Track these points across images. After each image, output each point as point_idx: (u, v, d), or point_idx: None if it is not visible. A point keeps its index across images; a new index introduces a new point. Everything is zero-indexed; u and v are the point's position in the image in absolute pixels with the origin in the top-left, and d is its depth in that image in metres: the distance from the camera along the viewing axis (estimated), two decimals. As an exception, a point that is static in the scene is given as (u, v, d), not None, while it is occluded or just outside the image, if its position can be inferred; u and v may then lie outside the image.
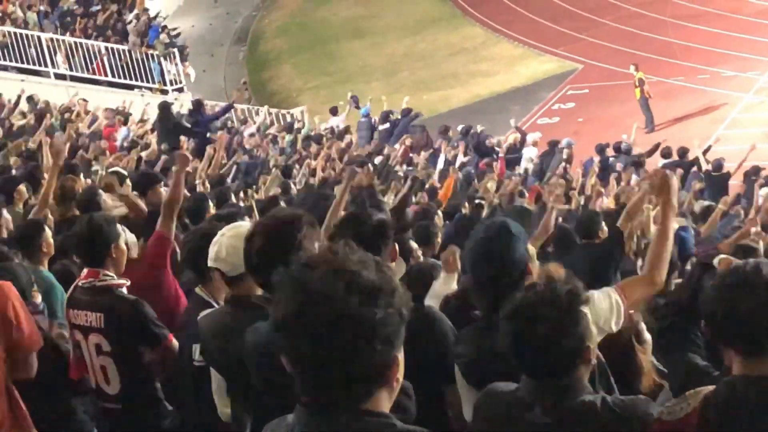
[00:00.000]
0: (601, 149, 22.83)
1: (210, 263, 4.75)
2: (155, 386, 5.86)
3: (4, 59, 29.06)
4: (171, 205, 6.77)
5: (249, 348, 4.13)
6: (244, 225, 4.89)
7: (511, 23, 37.13)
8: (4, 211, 8.36)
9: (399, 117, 26.67)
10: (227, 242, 4.66)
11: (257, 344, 4.05)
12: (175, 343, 5.63)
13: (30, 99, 24.10)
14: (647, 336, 4.82)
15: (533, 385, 3.59)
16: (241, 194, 14.28)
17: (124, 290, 5.82)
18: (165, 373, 5.88)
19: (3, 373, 4.70)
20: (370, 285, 2.45)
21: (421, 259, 7.64)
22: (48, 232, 7.46)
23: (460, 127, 25.26)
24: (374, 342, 2.44)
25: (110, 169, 12.42)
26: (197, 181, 13.79)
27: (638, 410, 3.50)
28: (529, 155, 24.02)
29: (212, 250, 4.72)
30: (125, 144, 21.07)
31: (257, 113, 30.38)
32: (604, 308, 4.23)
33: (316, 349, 2.42)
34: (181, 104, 27.64)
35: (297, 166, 19.99)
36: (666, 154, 21.83)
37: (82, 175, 10.95)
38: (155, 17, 34.10)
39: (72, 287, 5.89)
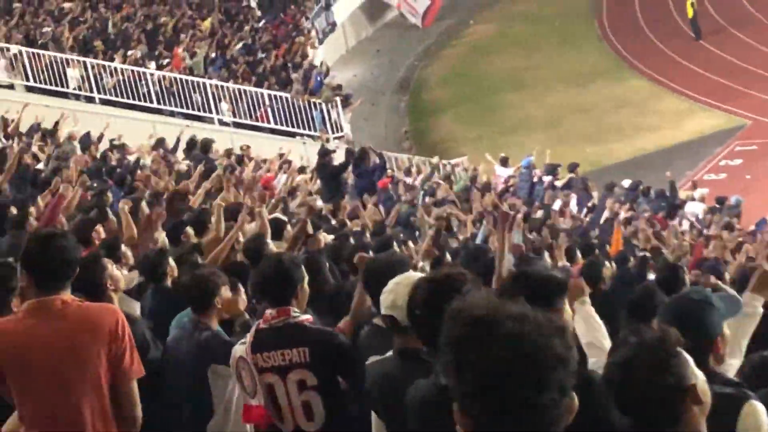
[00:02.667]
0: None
1: (384, 311, 4.77)
2: (350, 418, 5.84)
3: (170, 104, 29.78)
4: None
5: (412, 403, 4.12)
6: (419, 275, 4.87)
7: (677, 77, 36.51)
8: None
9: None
10: (404, 291, 4.59)
11: (421, 399, 4.03)
12: None
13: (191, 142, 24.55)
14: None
15: None
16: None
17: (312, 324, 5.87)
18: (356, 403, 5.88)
19: (106, 397, 4.90)
20: (555, 325, 2.44)
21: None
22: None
23: (628, 182, 24.78)
24: (573, 380, 2.44)
25: (270, 216, 12.56)
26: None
27: None
28: (693, 210, 23.41)
29: (388, 298, 4.73)
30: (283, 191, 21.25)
31: (414, 166, 30.39)
32: None
33: (534, 396, 2.38)
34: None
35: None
36: None
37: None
38: (322, 66, 34.50)
39: (253, 332, 5.89)
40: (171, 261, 8.14)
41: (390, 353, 4.86)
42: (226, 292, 6.68)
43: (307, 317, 5.86)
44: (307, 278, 6.02)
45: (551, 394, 2.39)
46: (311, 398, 5.70)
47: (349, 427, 5.84)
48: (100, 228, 10.01)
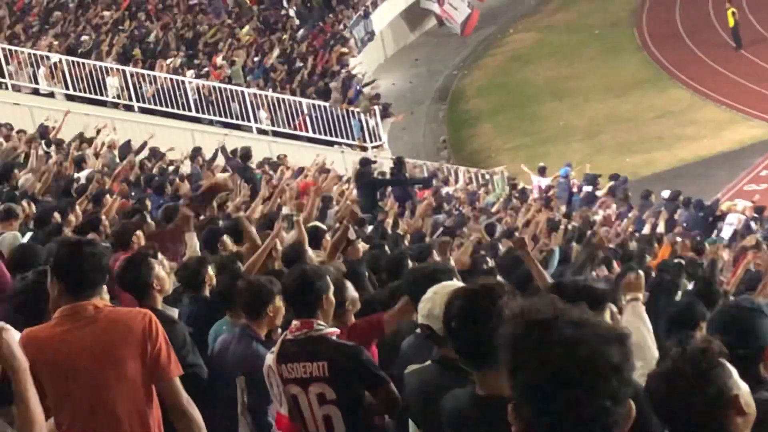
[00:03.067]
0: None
1: (421, 320, 4.80)
2: (376, 429, 5.92)
3: (209, 113, 29.87)
4: None
5: (447, 413, 4.08)
6: (457, 284, 4.87)
7: (717, 86, 36.26)
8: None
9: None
10: (440, 300, 4.55)
11: (456, 410, 4.00)
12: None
13: (224, 150, 24.61)
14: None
15: None
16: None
17: (335, 338, 5.89)
18: (384, 415, 5.95)
19: (143, 400, 4.93)
20: (614, 332, 2.44)
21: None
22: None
23: (667, 193, 24.58)
24: (629, 389, 2.43)
25: (310, 224, 12.54)
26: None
27: None
28: (732, 221, 23.20)
29: (425, 307, 4.74)
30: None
31: (453, 173, 30.35)
32: None
33: (585, 402, 2.37)
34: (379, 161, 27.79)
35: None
36: None
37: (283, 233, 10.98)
38: (361, 75, 34.50)
39: (279, 343, 5.94)
40: (210, 269, 8.12)
41: (429, 362, 4.84)
42: (279, 301, 6.65)
43: (332, 330, 5.86)
44: (332, 289, 5.99)
45: (602, 402, 2.38)
46: (331, 412, 5.73)
47: None
48: (140, 233, 10.05)
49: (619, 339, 2.43)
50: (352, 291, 6.68)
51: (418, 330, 5.76)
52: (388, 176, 22.68)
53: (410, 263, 9.19)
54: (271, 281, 6.77)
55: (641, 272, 6.39)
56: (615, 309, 7.61)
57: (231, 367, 6.62)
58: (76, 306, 4.92)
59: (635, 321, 5.61)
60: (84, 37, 31.56)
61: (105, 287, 5.25)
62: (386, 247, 12.32)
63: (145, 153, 22.73)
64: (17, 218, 10.54)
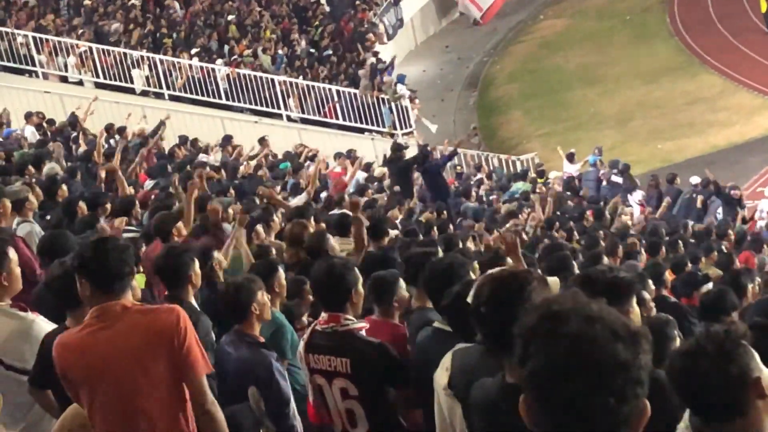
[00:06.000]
0: None
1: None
2: (401, 425, 5.91)
3: (239, 101, 29.90)
4: None
5: (476, 401, 4.11)
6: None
7: (750, 72, 35.94)
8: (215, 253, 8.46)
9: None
10: None
11: (485, 398, 4.02)
12: None
13: (261, 141, 24.69)
14: None
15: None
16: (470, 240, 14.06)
17: (364, 333, 5.88)
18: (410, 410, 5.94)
19: (173, 398, 4.95)
20: (627, 329, 2.41)
21: (654, 312, 7.38)
22: (281, 273, 7.58)
23: (697, 179, 24.37)
24: (637, 388, 2.39)
25: (338, 211, 12.60)
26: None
27: None
28: (765, 208, 23.04)
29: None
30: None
31: (487, 160, 30.28)
32: None
33: (586, 398, 2.36)
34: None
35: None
36: None
37: (312, 219, 11.02)
38: (388, 62, 34.45)
39: (309, 331, 5.98)
40: (217, 255, 8.25)
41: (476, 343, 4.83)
42: (262, 297, 6.56)
43: (361, 325, 5.86)
44: (361, 281, 5.96)
45: (605, 399, 2.36)
46: (354, 407, 5.75)
47: None
48: (180, 225, 10.11)
49: (631, 337, 2.40)
50: (403, 290, 6.63)
51: (437, 324, 5.74)
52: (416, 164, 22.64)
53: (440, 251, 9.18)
54: (250, 279, 6.69)
55: None
56: (647, 296, 7.59)
57: (236, 375, 6.44)
58: (104, 307, 4.96)
59: None
60: (115, 25, 31.64)
61: (134, 282, 5.31)
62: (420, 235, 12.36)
63: (174, 140, 22.80)
64: (30, 207, 10.56)
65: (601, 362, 2.35)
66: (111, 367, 4.89)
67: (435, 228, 14.54)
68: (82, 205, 11.59)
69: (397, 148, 23.00)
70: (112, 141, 21.04)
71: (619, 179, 25.56)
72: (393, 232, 12.73)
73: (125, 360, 4.89)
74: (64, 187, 13.01)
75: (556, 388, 2.37)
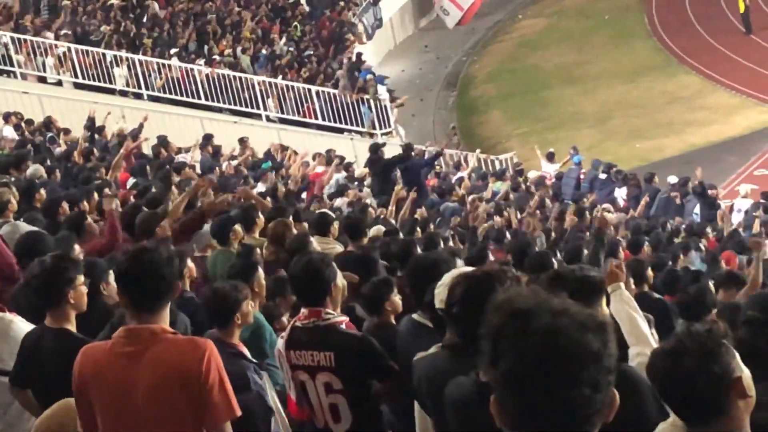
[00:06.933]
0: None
1: (439, 304, 4.76)
2: (382, 419, 5.93)
3: (219, 101, 29.86)
4: None
5: (451, 400, 4.15)
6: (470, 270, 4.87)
7: (728, 72, 36.14)
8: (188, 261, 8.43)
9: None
10: None
11: (460, 397, 4.06)
12: None
13: (241, 142, 24.68)
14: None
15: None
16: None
17: (344, 326, 5.84)
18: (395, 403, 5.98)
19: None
20: (593, 320, 2.43)
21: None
22: (261, 274, 7.58)
23: (674, 179, 24.47)
24: (609, 376, 2.42)
25: (318, 211, 12.63)
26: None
27: None
28: (741, 207, 23.14)
29: (443, 293, 4.68)
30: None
31: (466, 159, 30.29)
32: None
33: (563, 391, 2.37)
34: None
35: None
36: None
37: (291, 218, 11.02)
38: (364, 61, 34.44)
39: (289, 328, 5.93)
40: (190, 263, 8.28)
41: (434, 348, 4.84)
42: (247, 306, 6.50)
43: (341, 318, 5.84)
44: (340, 275, 5.96)
45: (582, 390, 2.37)
46: (338, 401, 5.74)
47: (378, 429, 5.83)
48: (165, 224, 10.14)
49: (598, 327, 2.42)
50: (395, 296, 6.71)
51: (415, 316, 5.79)
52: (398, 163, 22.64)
53: (419, 251, 9.23)
54: (236, 287, 6.60)
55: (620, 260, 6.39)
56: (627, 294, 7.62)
57: None
58: (133, 330, 4.69)
59: (623, 309, 5.56)
60: (94, 25, 31.52)
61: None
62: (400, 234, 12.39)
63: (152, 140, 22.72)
64: (11, 209, 10.51)
65: (574, 354, 2.36)
66: (130, 403, 4.62)
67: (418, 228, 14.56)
68: (65, 206, 11.55)
69: (375, 149, 23.05)
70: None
71: (603, 176, 25.65)
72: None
73: (144, 398, 4.61)
74: (42, 191, 12.94)
75: (533, 384, 2.37)
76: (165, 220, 10.18)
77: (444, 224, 17.99)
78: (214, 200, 11.24)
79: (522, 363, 2.38)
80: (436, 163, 25.48)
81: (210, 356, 4.63)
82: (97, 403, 4.72)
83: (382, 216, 16.75)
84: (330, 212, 12.18)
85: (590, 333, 2.39)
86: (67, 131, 22.41)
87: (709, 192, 23.32)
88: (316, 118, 30.50)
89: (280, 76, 31.50)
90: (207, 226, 10.80)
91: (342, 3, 38.54)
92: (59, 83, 29.24)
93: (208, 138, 24.08)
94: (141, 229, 9.93)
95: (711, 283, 9.75)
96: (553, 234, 16.66)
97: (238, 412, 4.71)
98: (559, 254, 12.07)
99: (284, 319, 7.58)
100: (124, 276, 4.78)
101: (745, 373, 3.44)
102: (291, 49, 34.06)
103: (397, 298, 6.68)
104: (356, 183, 22.25)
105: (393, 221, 15.91)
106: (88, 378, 4.72)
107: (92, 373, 4.70)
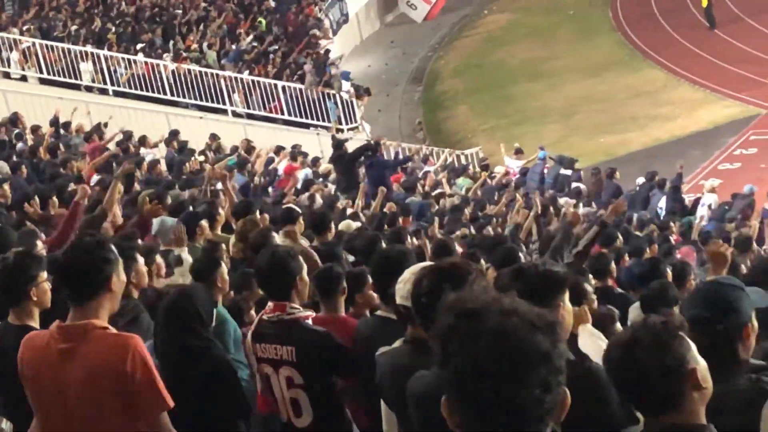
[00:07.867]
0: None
1: (399, 300, 4.70)
2: (345, 415, 5.89)
3: (184, 96, 29.74)
4: None
5: (414, 395, 4.15)
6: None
7: (692, 67, 36.33)
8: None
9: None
10: None
11: (422, 392, 4.05)
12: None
13: (213, 137, 24.65)
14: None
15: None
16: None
17: (310, 321, 5.83)
18: (358, 400, 5.97)
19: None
20: (543, 319, 2.42)
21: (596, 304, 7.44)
22: (224, 269, 7.57)
23: (641, 180, 24.65)
24: (559, 376, 2.41)
25: (284, 205, 12.61)
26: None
27: None
28: (706, 201, 23.30)
29: (404, 288, 4.64)
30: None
31: (434, 154, 30.32)
32: None
33: (513, 392, 2.36)
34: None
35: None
36: None
37: (258, 212, 11.01)
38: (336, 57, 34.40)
39: (256, 321, 5.93)
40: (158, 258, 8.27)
41: (397, 343, 4.84)
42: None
43: (307, 313, 5.84)
44: (305, 268, 5.95)
45: (532, 390, 2.37)
46: (299, 396, 5.72)
47: (340, 426, 5.81)
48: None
49: (548, 327, 2.42)
50: (368, 289, 6.68)
51: (379, 312, 5.79)
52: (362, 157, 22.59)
53: (384, 245, 9.23)
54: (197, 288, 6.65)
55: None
56: (589, 288, 7.66)
57: None
58: (67, 327, 4.68)
59: (594, 341, 5.54)
60: (59, 20, 31.33)
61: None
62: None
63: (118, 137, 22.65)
64: None
65: (524, 354, 2.36)
66: (64, 399, 4.63)
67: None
68: (35, 203, 11.49)
69: (338, 145, 23.06)
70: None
71: (567, 172, 25.76)
72: (355, 224, 12.85)
73: (77, 395, 4.60)
74: (6, 186, 12.85)
75: (483, 385, 2.37)
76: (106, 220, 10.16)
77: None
78: (151, 206, 11.11)
79: (471, 364, 2.37)
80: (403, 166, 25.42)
81: (135, 351, 4.61)
82: (34, 399, 4.77)
83: (350, 210, 16.74)
84: (296, 207, 12.16)
85: (540, 333, 2.39)
86: (35, 128, 22.27)
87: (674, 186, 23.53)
88: (282, 114, 30.43)
89: (246, 71, 31.40)
90: (172, 221, 10.79)
91: (308, -2, 38.46)
92: (24, 78, 29.05)
93: (174, 134, 24.00)
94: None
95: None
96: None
97: (171, 403, 4.71)
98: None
99: (252, 312, 7.59)
100: (59, 270, 4.86)
101: (701, 365, 3.45)
102: (255, 44, 33.95)
103: (371, 292, 6.64)
104: (320, 179, 22.19)
105: (362, 215, 15.89)
106: (26, 372, 4.79)
107: (30, 368, 4.77)
